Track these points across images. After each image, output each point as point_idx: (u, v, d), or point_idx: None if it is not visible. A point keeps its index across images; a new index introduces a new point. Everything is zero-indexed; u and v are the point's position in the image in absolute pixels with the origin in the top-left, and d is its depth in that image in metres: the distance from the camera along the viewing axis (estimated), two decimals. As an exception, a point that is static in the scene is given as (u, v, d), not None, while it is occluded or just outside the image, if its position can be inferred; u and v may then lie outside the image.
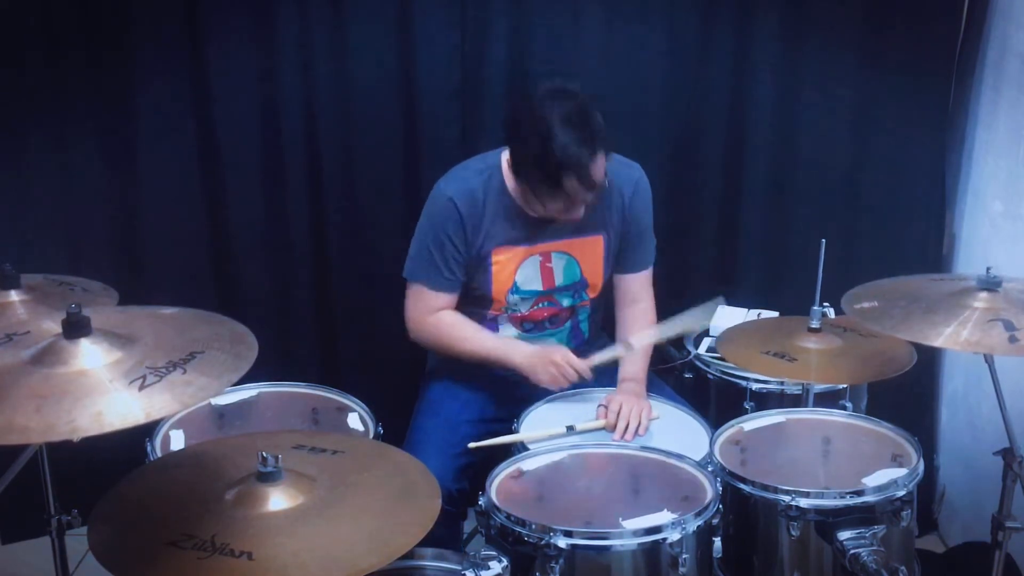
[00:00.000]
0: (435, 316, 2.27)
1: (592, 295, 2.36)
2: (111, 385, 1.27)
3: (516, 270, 2.26)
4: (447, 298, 2.26)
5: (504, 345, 2.26)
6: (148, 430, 1.95)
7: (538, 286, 2.28)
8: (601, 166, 2.07)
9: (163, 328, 1.45)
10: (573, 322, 2.38)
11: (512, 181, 2.20)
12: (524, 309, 2.31)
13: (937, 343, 1.68)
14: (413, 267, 2.27)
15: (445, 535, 1.91)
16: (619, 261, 2.35)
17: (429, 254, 2.23)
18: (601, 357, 2.21)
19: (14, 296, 1.85)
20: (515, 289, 2.27)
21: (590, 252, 2.30)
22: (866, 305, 1.83)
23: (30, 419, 1.20)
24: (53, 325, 1.36)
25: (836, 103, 2.76)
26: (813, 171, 2.82)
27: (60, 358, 1.31)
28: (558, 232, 2.24)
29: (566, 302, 2.33)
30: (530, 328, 2.34)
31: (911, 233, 2.83)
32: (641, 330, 2.33)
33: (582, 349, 2.40)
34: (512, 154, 2.15)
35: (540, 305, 2.32)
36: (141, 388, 1.26)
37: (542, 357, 2.17)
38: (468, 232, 2.20)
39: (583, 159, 2.02)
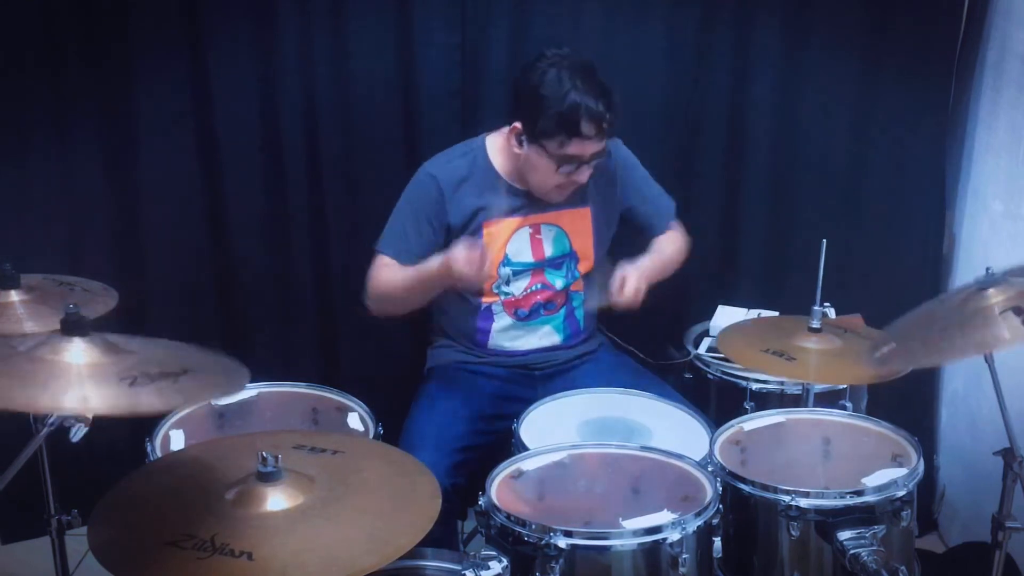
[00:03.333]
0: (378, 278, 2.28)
1: (584, 269, 2.38)
2: (102, 376, 1.27)
3: (507, 242, 2.29)
4: None
5: (424, 267, 2.21)
6: (148, 430, 1.95)
7: (528, 257, 2.31)
8: (598, 141, 2.15)
9: (158, 348, 1.46)
10: (568, 308, 2.40)
11: (503, 157, 2.28)
12: (517, 292, 2.33)
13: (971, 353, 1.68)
14: (385, 240, 2.30)
15: (440, 534, 1.91)
16: (645, 228, 2.46)
17: (403, 228, 2.28)
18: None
19: (14, 296, 1.85)
20: (506, 261, 2.30)
21: (578, 223, 2.34)
22: (885, 351, 1.82)
23: (14, 392, 1.21)
24: (53, 325, 1.36)
25: (836, 103, 2.76)
26: (813, 171, 2.82)
27: (55, 349, 1.31)
28: (546, 205, 2.30)
29: (559, 283, 2.35)
30: (524, 316, 2.36)
31: (911, 233, 2.83)
32: (668, 242, 2.46)
33: (577, 339, 2.42)
34: (525, 114, 2.18)
35: (534, 288, 2.33)
36: (131, 385, 1.26)
37: (446, 261, 2.11)
38: (448, 208, 2.25)
39: (599, 106, 2.10)
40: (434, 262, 2.16)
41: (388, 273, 2.27)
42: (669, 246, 2.46)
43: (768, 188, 2.84)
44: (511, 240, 2.30)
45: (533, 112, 2.15)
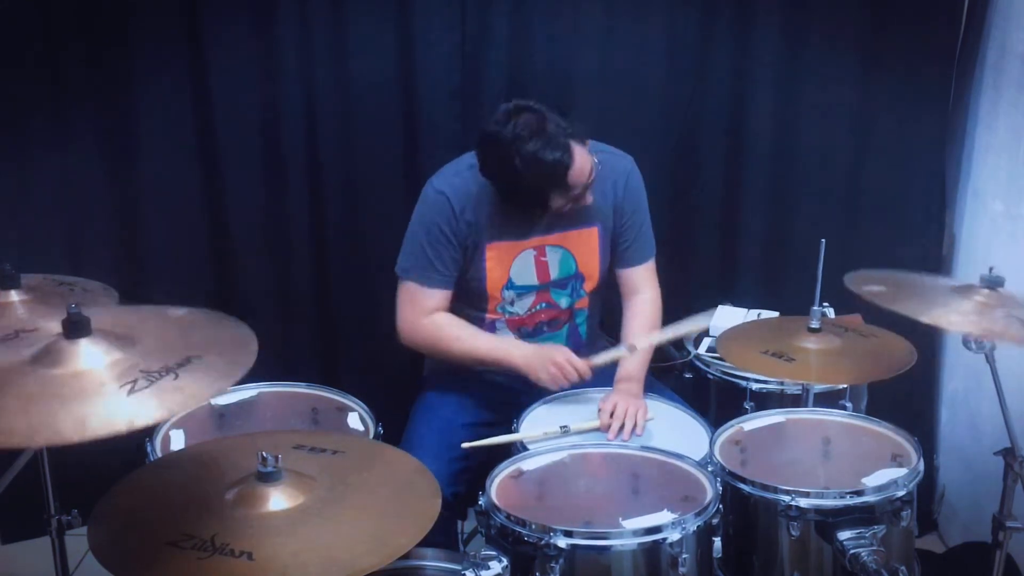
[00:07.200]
0: (429, 318, 2.25)
1: (589, 288, 2.35)
2: (102, 389, 1.26)
3: (510, 265, 2.25)
4: (440, 296, 2.25)
5: (502, 344, 2.26)
6: (148, 430, 1.95)
7: (533, 280, 2.28)
8: (582, 156, 2.09)
9: (166, 330, 1.45)
10: (571, 326, 2.38)
11: None
12: (521, 311, 2.31)
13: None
14: (405, 264, 2.26)
15: (441, 539, 1.91)
16: (620, 256, 2.36)
17: (422, 249, 2.22)
18: (603, 358, 2.21)
19: (14, 296, 1.85)
20: (510, 284, 2.27)
21: (585, 244, 2.30)
22: (875, 289, 1.83)
23: (15, 421, 1.20)
24: (53, 325, 1.35)
25: (836, 103, 2.76)
26: (813, 171, 2.82)
27: (58, 359, 1.30)
28: (551, 226, 2.25)
29: (564, 303, 2.33)
30: (528, 333, 2.33)
31: (911, 233, 2.83)
32: (645, 321, 2.33)
33: (580, 352, 2.39)
34: (496, 187, 2.16)
35: (538, 307, 2.31)
36: (130, 393, 1.25)
37: (542, 356, 2.16)
38: (461, 225, 2.20)
39: (558, 170, 2.05)
40: (516, 355, 2.19)
41: (452, 333, 2.24)
42: (650, 322, 2.36)
43: (768, 188, 2.84)
44: (514, 263, 2.26)
45: (497, 183, 2.14)
